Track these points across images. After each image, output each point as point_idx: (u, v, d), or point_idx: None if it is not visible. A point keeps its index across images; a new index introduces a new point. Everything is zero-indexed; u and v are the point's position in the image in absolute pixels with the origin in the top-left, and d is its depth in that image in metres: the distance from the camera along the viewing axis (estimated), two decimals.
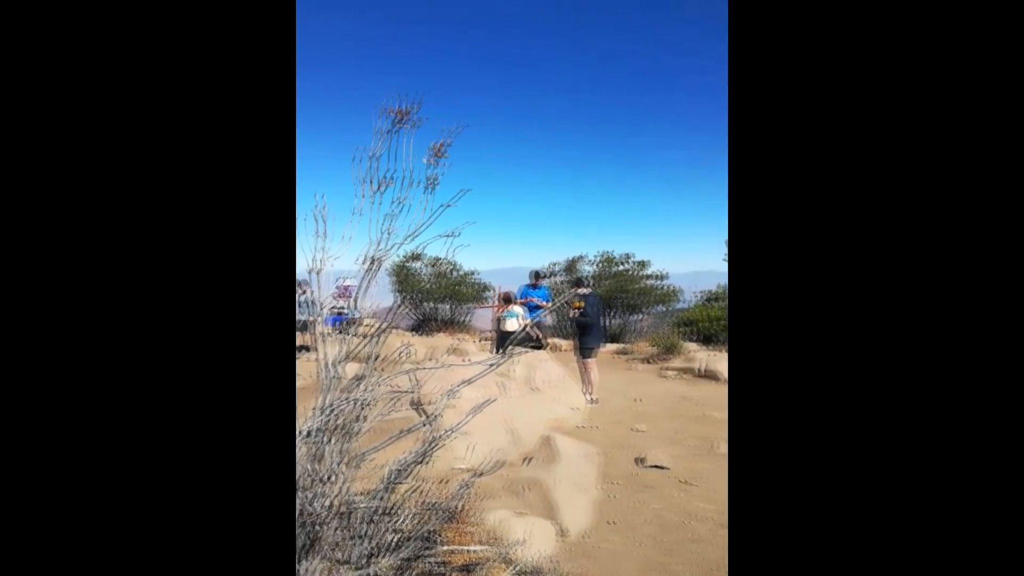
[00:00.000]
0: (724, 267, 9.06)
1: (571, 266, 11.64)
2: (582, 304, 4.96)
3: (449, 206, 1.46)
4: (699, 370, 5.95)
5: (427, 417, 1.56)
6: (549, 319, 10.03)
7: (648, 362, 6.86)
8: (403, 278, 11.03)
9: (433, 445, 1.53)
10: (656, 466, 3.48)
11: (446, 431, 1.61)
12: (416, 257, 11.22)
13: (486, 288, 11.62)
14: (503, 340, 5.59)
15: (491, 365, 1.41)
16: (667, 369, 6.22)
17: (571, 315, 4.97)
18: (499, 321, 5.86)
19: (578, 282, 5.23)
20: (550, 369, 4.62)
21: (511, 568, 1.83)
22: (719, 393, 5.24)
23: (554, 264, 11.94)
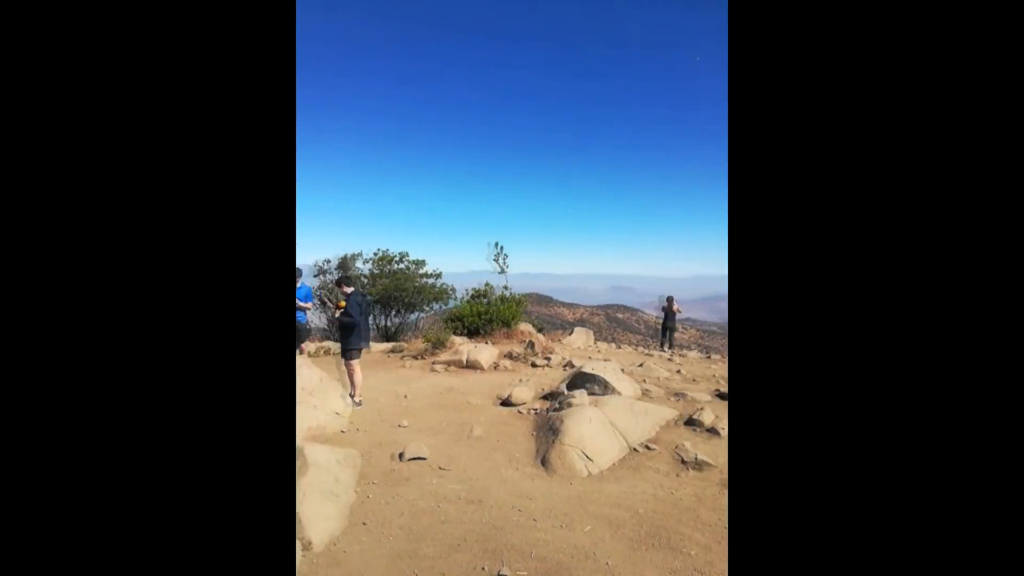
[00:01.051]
0: (488, 266, 9.95)
1: (344, 263, 11.05)
2: (344, 304, 4.76)
3: None
4: (464, 361, 6.39)
5: None
6: (315, 321, 9.29)
7: (419, 358, 7.02)
8: None
9: None
10: (415, 458, 3.58)
11: None
12: None
13: None
14: None
15: None
16: (437, 363, 6.48)
17: (333, 315, 4.71)
18: None
19: (342, 281, 4.97)
20: (307, 375, 4.28)
21: None
22: (479, 381, 5.73)
23: (326, 261, 11.14)
